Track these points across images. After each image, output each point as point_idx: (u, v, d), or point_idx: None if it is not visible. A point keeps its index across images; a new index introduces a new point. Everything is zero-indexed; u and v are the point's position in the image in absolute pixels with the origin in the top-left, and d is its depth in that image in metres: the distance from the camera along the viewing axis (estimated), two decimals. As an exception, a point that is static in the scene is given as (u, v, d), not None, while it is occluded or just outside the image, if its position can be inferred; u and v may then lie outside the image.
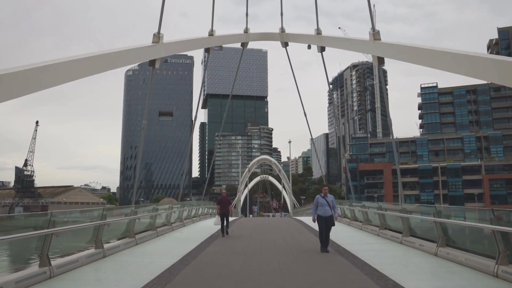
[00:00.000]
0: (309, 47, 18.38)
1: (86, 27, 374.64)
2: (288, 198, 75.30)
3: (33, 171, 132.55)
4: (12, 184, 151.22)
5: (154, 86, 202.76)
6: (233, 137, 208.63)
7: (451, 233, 9.31)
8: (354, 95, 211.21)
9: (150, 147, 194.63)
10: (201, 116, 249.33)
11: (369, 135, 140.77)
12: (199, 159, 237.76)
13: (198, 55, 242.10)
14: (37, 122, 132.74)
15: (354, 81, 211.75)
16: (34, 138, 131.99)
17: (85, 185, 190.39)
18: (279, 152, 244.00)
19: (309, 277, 7.41)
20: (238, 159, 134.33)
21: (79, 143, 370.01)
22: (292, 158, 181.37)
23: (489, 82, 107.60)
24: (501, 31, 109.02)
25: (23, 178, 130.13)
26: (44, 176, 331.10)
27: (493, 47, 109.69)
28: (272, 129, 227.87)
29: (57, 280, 6.97)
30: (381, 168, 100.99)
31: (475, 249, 8.30)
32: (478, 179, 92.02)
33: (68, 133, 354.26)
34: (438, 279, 7.41)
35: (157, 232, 13.94)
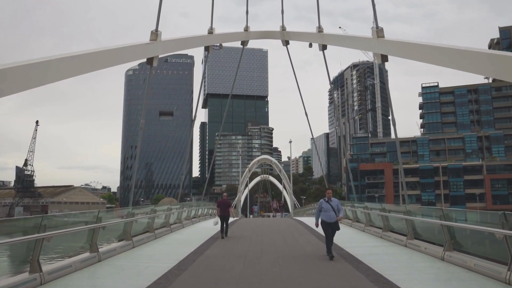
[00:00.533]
0: (310, 45, 18.04)
1: (86, 27, 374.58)
2: (288, 198, 74.97)
3: (33, 171, 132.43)
4: (12, 184, 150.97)
5: (155, 86, 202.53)
6: (234, 137, 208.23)
7: (459, 237, 8.98)
8: (355, 94, 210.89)
9: (150, 147, 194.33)
10: (201, 116, 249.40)
11: (369, 135, 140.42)
12: (200, 159, 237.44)
13: (198, 54, 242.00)
14: (37, 121, 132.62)
15: (354, 81, 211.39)
16: (34, 138, 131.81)
17: (86, 184, 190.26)
18: (280, 152, 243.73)
19: (311, 282, 7.10)
20: (239, 159, 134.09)
21: (80, 143, 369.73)
22: (292, 158, 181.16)
23: (491, 81, 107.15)
24: (502, 30, 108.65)
25: (23, 178, 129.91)
26: (45, 176, 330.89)
27: (494, 46, 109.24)
28: (273, 129, 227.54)
29: (48, 287, 6.66)
30: (382, 168, 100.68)
31: (485, 254, 7.96)
32: (480, 179, 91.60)
33: (68, 133, 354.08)
34: (447, 286, 7.09)
35: (155, 234, 13.64)
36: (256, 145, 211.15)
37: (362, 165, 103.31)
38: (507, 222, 6.70)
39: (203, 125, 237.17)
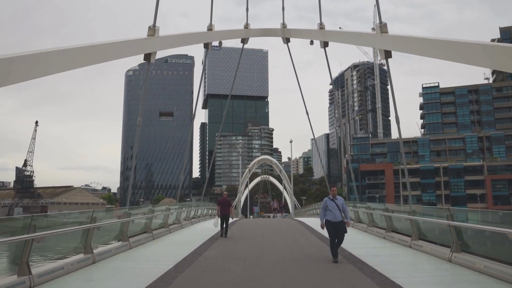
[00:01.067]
0: (311, 42, 17.72)
1: (86, 27, 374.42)
2: (289, 198, 74.64)
3: (33, 172, 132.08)
4: (12, 184, 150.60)
5: (155, 86, 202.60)
6: (234, 137, 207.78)
7: (467, 238, 8.64)
8: (355, 95, 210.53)
9: (150, 147, 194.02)
10: (202, 116, 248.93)
11: (370, 135, 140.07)
12: (200, 159, 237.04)
13: (198, 55, 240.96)
14: (36, 122, 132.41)
15: (355, 81, 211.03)
16: (33, 138, 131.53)
17: (86, 185, 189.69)
18: (280, 152, 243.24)
19: (314, 286, 6.78)
20: (239, 159, 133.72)
21: (80, 143, 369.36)
22: (292, 158, 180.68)
23: (492, 82, 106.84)
24: (503, 30, 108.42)
25: (23, 179, 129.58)
26: (45, 176, 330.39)
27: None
28: (273, 130, 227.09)
29: (38, 291, 6.35)
30: (382, 169, 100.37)
31: (495, 255, 7.63)
32: (481, 180, 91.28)
33: (68, 133, 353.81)
34: (457, 289, 6.77)
35: (153, 235, 13.31)
36: (256, 146, 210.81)
37: (363, 165, 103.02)
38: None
39: (203, 125, 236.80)
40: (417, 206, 12.85)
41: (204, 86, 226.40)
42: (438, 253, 9.19)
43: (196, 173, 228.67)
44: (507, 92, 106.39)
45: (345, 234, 9.35)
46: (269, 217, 59.54)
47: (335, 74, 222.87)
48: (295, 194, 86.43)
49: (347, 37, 14.32)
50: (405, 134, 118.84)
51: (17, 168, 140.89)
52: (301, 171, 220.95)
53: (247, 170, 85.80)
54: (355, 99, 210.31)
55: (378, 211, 14.32)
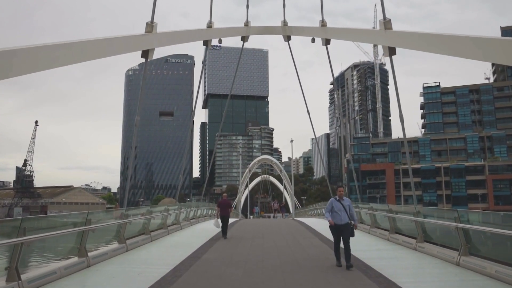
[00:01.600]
0: (313, 40, 17.38)
1: (86, 27, 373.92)
2: (289, 198, 74.29)
3: (33, 171, 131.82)
4: (12, 184, 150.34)
5: (155, 86, 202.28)
6: (234, 137, 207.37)
7: (476, 241, 8.32)
8: (355, 95, 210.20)
9: (150, 147, 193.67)
10: (202, 116, 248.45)
11: (370, 135, 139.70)
12: (200, 159, 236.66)
13: (199, 55, 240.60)
14: (36, 122, 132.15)
15: (355, 81, 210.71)
16: (33, 138, 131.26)
17: (86, 185, 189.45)
18: (280, 152, 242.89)
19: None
20: (239, 159, 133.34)
21: (80, 143, 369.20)
22: (293, 158, 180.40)
23: (493, 81, 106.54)
24: (504, 30, 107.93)
25: (23, 178, 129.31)
26: (45, 176, 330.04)
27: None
28: (273, 129, 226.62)
29: (27, 297, 6.03)
30: (383, 168, 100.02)
31: (506, 259, 7.30)
32: (482, 180, 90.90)
33: (68, 133, 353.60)
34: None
35: (151, 237, 13.00)
36: (257, 146, 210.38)
37: (363, 165, 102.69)
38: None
39: (203, 125, 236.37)
40: (422, 207, 12.53)
41: (204, 86, 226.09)
42: (445, 256, 8.87)
43: (196, 173, 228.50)
44: (508, 92, 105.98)
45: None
46: (269, 217, 59.29)
47: (335, 74, 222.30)
48: (296, 194, 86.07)
49: (350, 34, 13.97)
50: (406, 134, 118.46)
51: (17, 168, 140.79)
52: (301, 171, 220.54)
53: (247, 170, 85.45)
54: (356, 99, 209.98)
55: (381, 212, 14.00)
